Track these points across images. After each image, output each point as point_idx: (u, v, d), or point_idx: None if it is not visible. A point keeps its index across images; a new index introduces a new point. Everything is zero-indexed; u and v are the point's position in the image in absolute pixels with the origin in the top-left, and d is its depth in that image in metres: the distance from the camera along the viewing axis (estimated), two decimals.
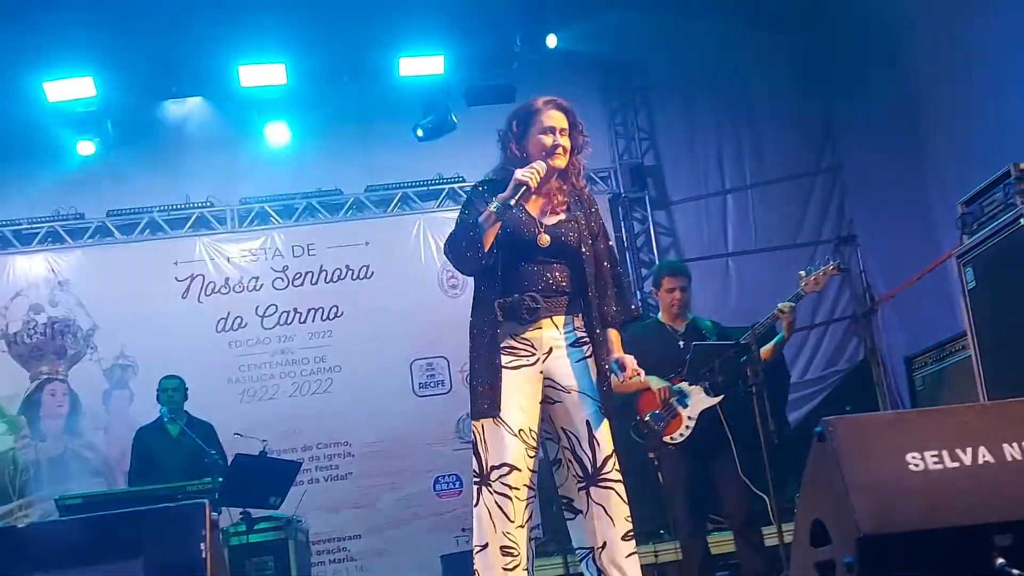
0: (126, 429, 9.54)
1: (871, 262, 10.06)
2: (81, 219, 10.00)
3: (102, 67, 9.00)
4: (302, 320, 10.00)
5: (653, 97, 10.76)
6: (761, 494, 5.58)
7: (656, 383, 5.96)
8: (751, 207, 10.49)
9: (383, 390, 9.86)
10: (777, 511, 5.51)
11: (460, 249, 3.99)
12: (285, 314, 9.99)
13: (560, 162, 4.07)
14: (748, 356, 5.59)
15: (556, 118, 4.08)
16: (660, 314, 6.41)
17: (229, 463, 7.55)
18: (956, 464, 3.21)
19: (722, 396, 5.85)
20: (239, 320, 9.94)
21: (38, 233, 9.94)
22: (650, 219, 10.49)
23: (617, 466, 3.94)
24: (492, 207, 3.91)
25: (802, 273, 5.84)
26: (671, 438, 5.93)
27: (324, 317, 10.04)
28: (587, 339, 4.04)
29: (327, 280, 10.13)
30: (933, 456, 3.22)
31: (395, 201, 10.36)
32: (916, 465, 3.20)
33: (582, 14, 10.30)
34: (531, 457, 3.93)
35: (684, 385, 5.97)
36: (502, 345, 3.97)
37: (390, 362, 9.92)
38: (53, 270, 9.86)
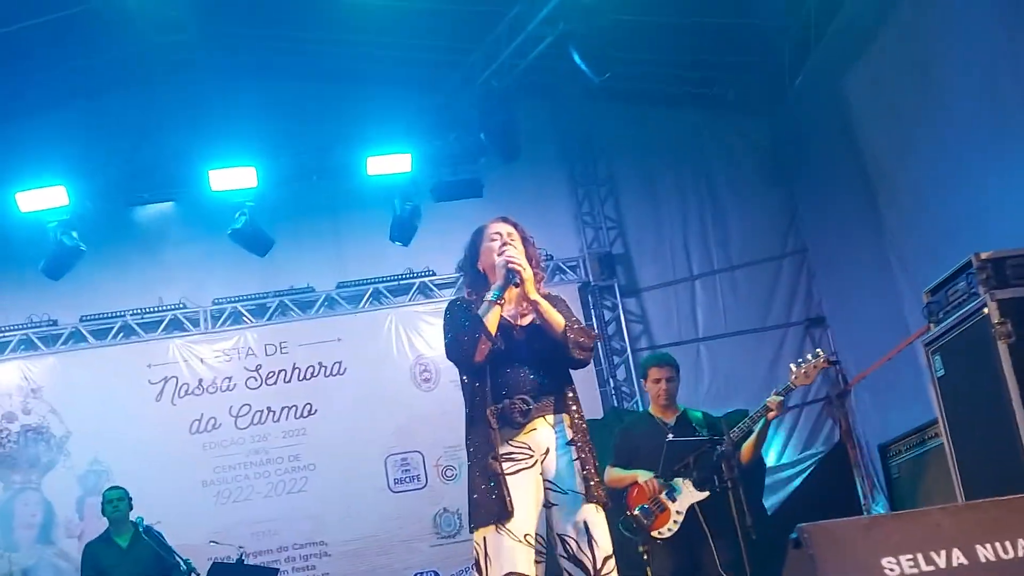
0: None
1: (841, 343, 10.18)
2: (55, 325, 9.99)
3: (74, 175, 9.07)
4: (276, 419, 9.97)
5: (619, 185, 10.94)
6: None
7: (643, 477, 5.95)
8: (719, 292, 10.63)
9: (359, 487, 9.81)
10: None
11: (464, 342, 3.91)
12: (259, 413, 9.96)
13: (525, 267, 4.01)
14: (722, 452, 5.62)
15: (500, 227, 4.17)
16: (650, 406, 6.36)
17: (207, 571, 7.44)
18: (931, 568, 3.26)
19: (710, 491, 5.81)
20: (213, 421, 9.90)
21: (11, 341, 9.90)
22: (620, 307, 10.58)
23: (615, 567, 3.85)
24: (489, 296, 3.92)
25: (792, 367, 5.86)
26: (659, 532, 5.90)
27: (298, 415, 10.02)
28: (573, 441, 3.97)
29: (300, 378, 10.13)
30: (908, 560, 3.27)
31: (366, 297, 10.42)
32: (892, 570, 3.25)
33: (547, 106, 10.56)
34: (539, 563, 3.85)
35: (677, 480, 5.95)
36: (501, 452, 3.89)
37: (365, 458, 9.89)
38: (27, 377, 9.81)
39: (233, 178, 9.27)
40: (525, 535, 3.79)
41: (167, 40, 8.52)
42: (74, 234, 9.28)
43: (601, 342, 10.48)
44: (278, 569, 8.37)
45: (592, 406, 9.89)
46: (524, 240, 4.17)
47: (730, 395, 9.92)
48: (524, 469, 3.89)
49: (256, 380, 10.04)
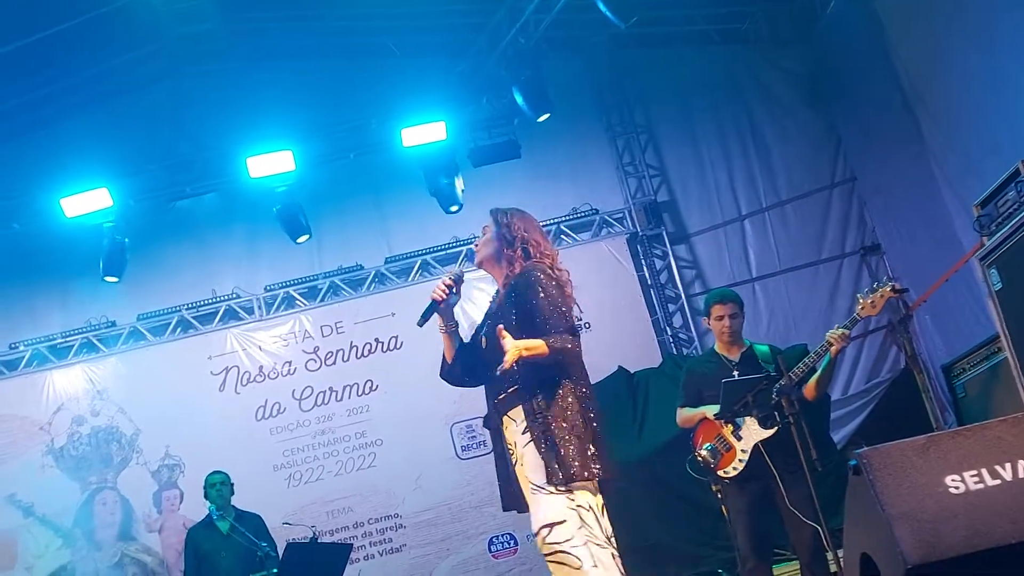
0: (179, 528, 9.67)
1: (899, 269, 9.98)
2: (113, 326, 10.14)
3: (115, 176, 9.17)
4: (339, 398, 10.05)
5: (658, 132, 10.80)
6: (812, 524, 5.48)
7: (712, 412, 5.89)
8: (770, 229, 10.47)
9: (427, 457, 9.86)
10: (831, 539, 5.41)
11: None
12: (322, 394, 10.04)
13: (478, 258, 4.51)
14: (780, 387, 5.52)
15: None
16: (715, 344, 6.23)
17: (281, 553, 7.54)
18: (997, 481, 3.17)
19: (777, 428, 5.72)
20: (277, 406, 10.00)
21: (73, 346, 10.08)
22: (670, 254, 10.47)
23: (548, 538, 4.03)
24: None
25: (859, 296, 5.71)
26: (725, 472, 5.84)
27: (360, 392, 10.09)
28: (527, 427, 4.13)
29: (358, 355, 10.19)
30: (972, 476, 3.19)
31: (415, 269, 10.43)
32: (956, 487, 3.17)
33: (576, 59, 10.43)
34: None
35: (740, 418, 5.88)
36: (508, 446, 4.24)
37: (430, 429, 9.92)
38: (91, 380, 9.99)
39: (271, 163, 9.29)
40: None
41: (191, 31, 8.54)
42: (121, 234, 9.38)
43: (654, 290, 10.42)
44: (351, 544, 8.45)
45: (651, 355, 9.84)
46: (500, 226, 4.43)
47: (790, 333, 9.80)
48: (516, 465, 4.21)
49: (315, 362, 10.12)
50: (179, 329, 10.20)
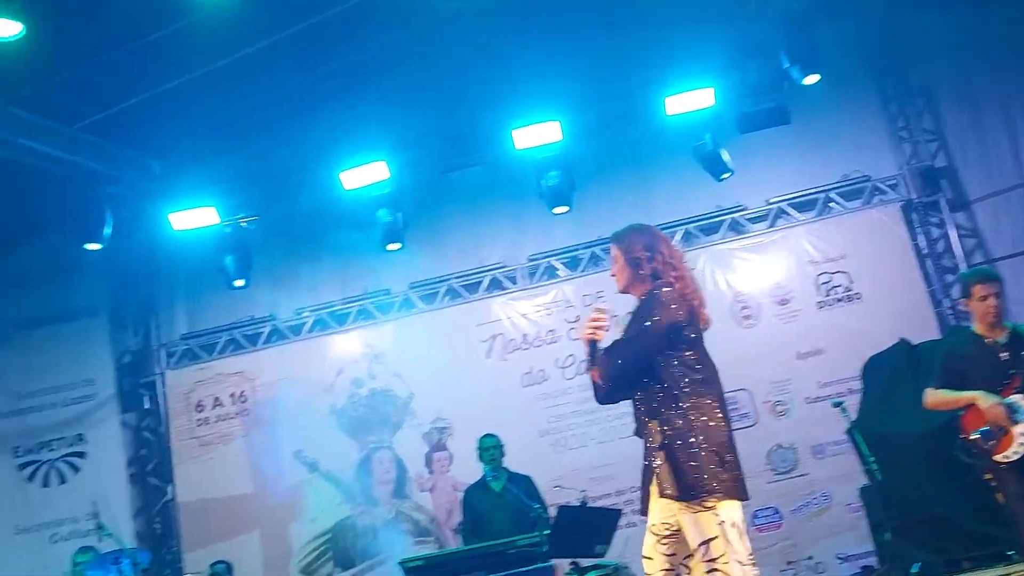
0: (449, 488, 10.08)
1: None
2: (387, 294, 10.66)
3: (392, 150, 9.56)
4: None
5: (936, 96, 10.26)
6: None
7: (985, 400, 5.60)
8: None
9: None
10: None
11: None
12: (584, 363, 10.12)
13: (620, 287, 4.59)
14: None
15: (611, 249, 4.69)
16: (975, 325, 5.93)
17: (552, 515, 7.71)
18: None
19: None
20: (541, 373, 10.21)
21: (351, 312, 10.66)
22: (948, 222, 9.95)
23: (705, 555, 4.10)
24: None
25: None
26: (1004, 456, 5.55)
27: None
28: (662, 445, 4.23)
29: (619, 325, 10.21)
30: None
31: (677, 238, 10.35)
32: None
33: (850, 21, 10.03)
34: (664, 545, 4.24)
35: (1016, 398, 5.58)
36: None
37: None
38: (368, 344, 10.55)
39: (537, 134, 9.42)
40: (652, 524, 4.31)
41: (460, 5, 8.72)
42: (397, 206, 9.81)
43: (931, 260, 9.95)
44: (620, 510, 8.52)
45: (927, 328, 9.40)
46: (625, 251, 4.54)
47: None
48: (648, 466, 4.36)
49: (577, 331, 10.26)
50: (448, 297, 10.60)
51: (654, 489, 4.26)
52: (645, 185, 10.47)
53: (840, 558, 9.32)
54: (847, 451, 8.91)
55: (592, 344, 4.45)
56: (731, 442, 4.29)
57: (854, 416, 7.88)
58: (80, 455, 10.52)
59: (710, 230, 10.39)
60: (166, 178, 9.82)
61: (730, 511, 4.16)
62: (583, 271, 10.46)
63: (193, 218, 9.69)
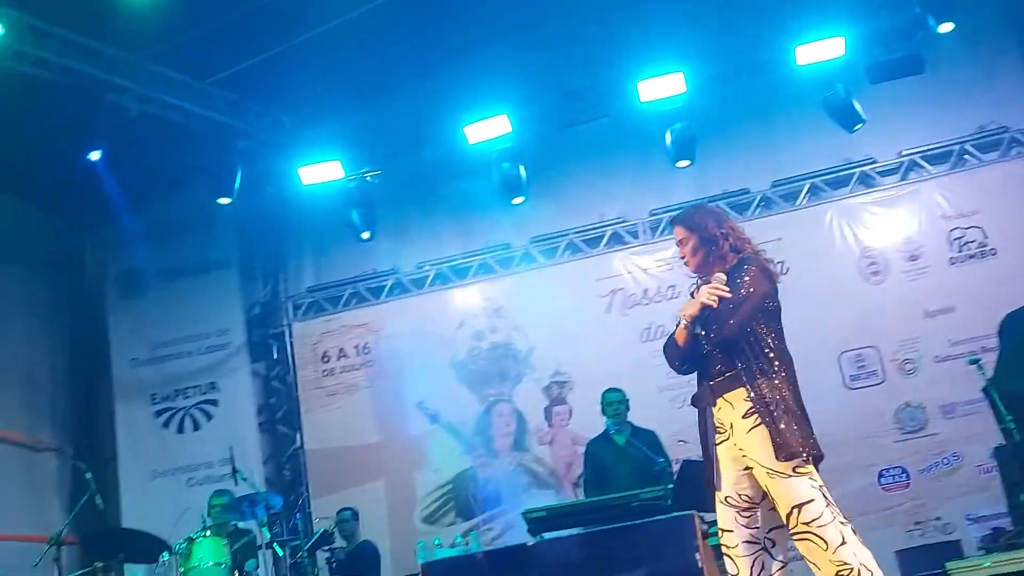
0: (568, 442, 10.16)
1: None
2: (507, 248, 10.71)
3: (514, 103, 9.58)
4: None
5: None
6: None
7: None
8: None
9: (813, 386, 9.36)
10: None
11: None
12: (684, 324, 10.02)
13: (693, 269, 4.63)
14: None
15: (675, 233, 4.69)
16: None
17: (678, 469, 7.70)
18: None
19: None
20: (661, 329, 10.10)
21: (471, 266, 10.77)
22: None
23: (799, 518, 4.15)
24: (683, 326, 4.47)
25: None
26: None
27: None
28: (755, 410, 4.28)
29: None
30: None
31: (803, 192, 10.16)
32: None
33: None
34: (745, 517, 4.35)
35: None
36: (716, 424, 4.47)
37: (817, 357, 9.61)
38: (488, 298, 10.65)
39: (661, 87, 9.31)
40: (726, 496, 4.40)
41: None
42: (519, 160, 9.83)
43: None
44: None
45: None
46: (695, 233, 4.56)
47: None
48: (724, 441, 4.43)
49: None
50: (568, 252, 10.59)
51: (728, 458, 4.38)
52: (771, 138, 10.26)
53: (970, 519, 9.08)
54: (979, 411, 8.69)
55: (704, 310, 4.41)
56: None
57: (990, 374, 7.67)
58: (213, 403, 10.90)
59: (838, 184, 10.13)
60: (295, 132, 10.03)
61: (817, 474, 4.26)
62: None
63: (320, 172, 9.90)
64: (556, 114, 10.11)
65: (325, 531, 8.68)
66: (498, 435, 10.43)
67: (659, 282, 10.26)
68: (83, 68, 8.42)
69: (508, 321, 10.54)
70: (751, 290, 4.33)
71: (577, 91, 10.00)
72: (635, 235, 10.50)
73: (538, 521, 7.17)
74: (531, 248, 10.66)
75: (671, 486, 7.35)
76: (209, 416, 10.88)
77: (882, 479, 9.41)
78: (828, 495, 4.21)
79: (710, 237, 4.52)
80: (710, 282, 4.37)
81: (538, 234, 10.67)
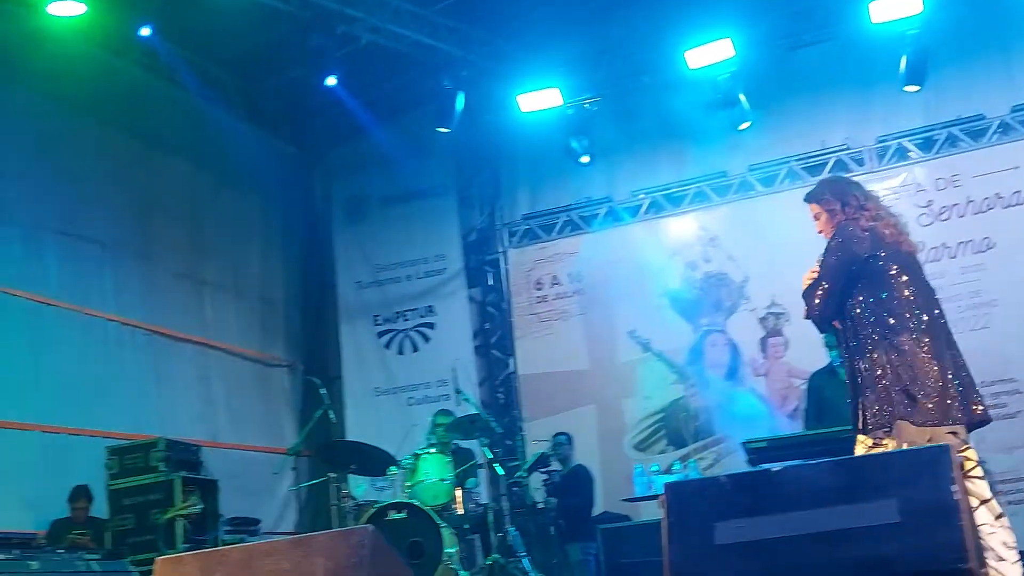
0: (783, 374, 10.00)
1: None
2: (724, 176, 10.52)
3: (737, 27, 9.34)
4: (952, 255, 9.62)
5: None
6: None
7: None
8: None
9: None
10: None
11: None
12: (933, 251, 9.62)
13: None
14: None
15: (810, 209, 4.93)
16: None
17: None
18: None
19: None
20: None
21: (686, 195, 10.65)
22: None
23: None
24: None
25: None
26: None
27: (975, 250, 9.57)
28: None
29: (975, 211, 9.64)
30: None
31: None
32: None
33: None
34: None
35: None
36: None
37: None
38: (703, 227, 10.53)
39: (897, 7, 8.87)
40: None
41: None
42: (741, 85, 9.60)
43: None
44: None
45: None
46: (824, 206, 4.80)
47: None
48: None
49: (928, 216, 9.74)
50: (788, 180, 10.29)
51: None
52: (1010, 60, 9.67)
53: None
54: None
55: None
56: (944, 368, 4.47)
57: None
58: (430, 326, 11.26)
59: None
60: (515, 60, 10.09)
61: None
62: (937, 153, 9.86)
63: (539, 100, 9.95)
64: (780, 37, 9.82)
65: (543, 453, 8.89)
66: (710, 365, 10.36)
67: None
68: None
69: (722, 251, 10.40)
70: (829, 259, 4.59)
71: (803, 12, 9.66)
72: (860, 162, 10.11)
73: (759, 451, 7.10)
74: (749, 176, 10.43)
75: None
76: (427, 339, 11.26)
77: None
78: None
79: (831, 211, 4.75)
80: None
81: (757, 162, 10.43)
